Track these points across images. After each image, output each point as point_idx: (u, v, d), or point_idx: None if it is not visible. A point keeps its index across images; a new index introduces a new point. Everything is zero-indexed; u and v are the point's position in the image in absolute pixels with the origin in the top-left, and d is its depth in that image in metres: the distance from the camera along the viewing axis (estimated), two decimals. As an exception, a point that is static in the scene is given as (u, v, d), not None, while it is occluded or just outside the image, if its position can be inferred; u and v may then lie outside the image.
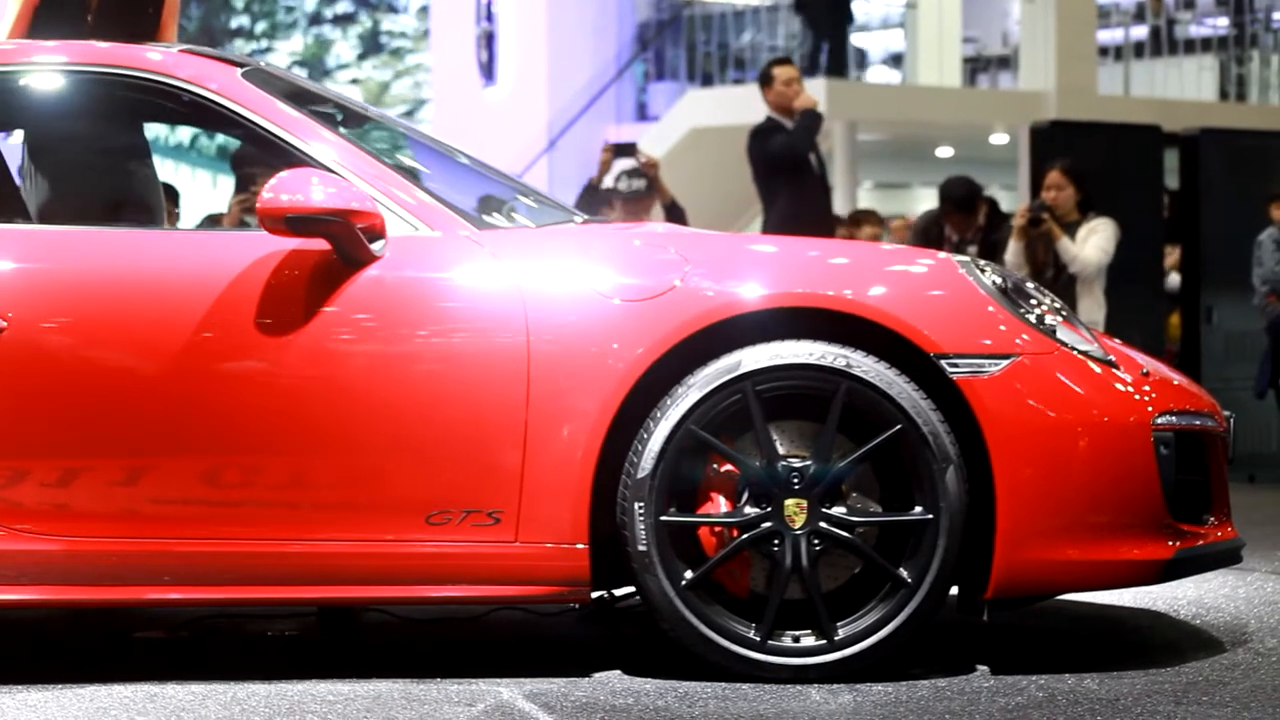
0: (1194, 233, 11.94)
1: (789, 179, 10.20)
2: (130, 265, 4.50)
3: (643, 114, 20.40)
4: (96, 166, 5.52)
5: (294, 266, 4.41)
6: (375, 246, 4.40)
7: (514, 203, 5.38)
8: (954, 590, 4.47)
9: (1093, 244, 9.93)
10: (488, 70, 20.56)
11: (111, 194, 5.54)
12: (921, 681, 4.25)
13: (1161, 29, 20.24)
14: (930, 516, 4.26)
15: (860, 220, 12.91)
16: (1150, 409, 4.36)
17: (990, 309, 4.34)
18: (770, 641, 4.29)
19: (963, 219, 10.82)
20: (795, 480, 4.30)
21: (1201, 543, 4.47)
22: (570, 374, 4.29)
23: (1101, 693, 4.11)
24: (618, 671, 4.44)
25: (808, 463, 4.30)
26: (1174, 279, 12.27)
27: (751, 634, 4.29)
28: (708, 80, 19.78)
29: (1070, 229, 9.98)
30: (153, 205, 5.69)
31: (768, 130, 10.27)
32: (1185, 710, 3.93)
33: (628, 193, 11.15)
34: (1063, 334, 4.40)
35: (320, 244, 4.39)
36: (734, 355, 4.29)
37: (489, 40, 20.51)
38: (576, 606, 4.99)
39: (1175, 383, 4.61)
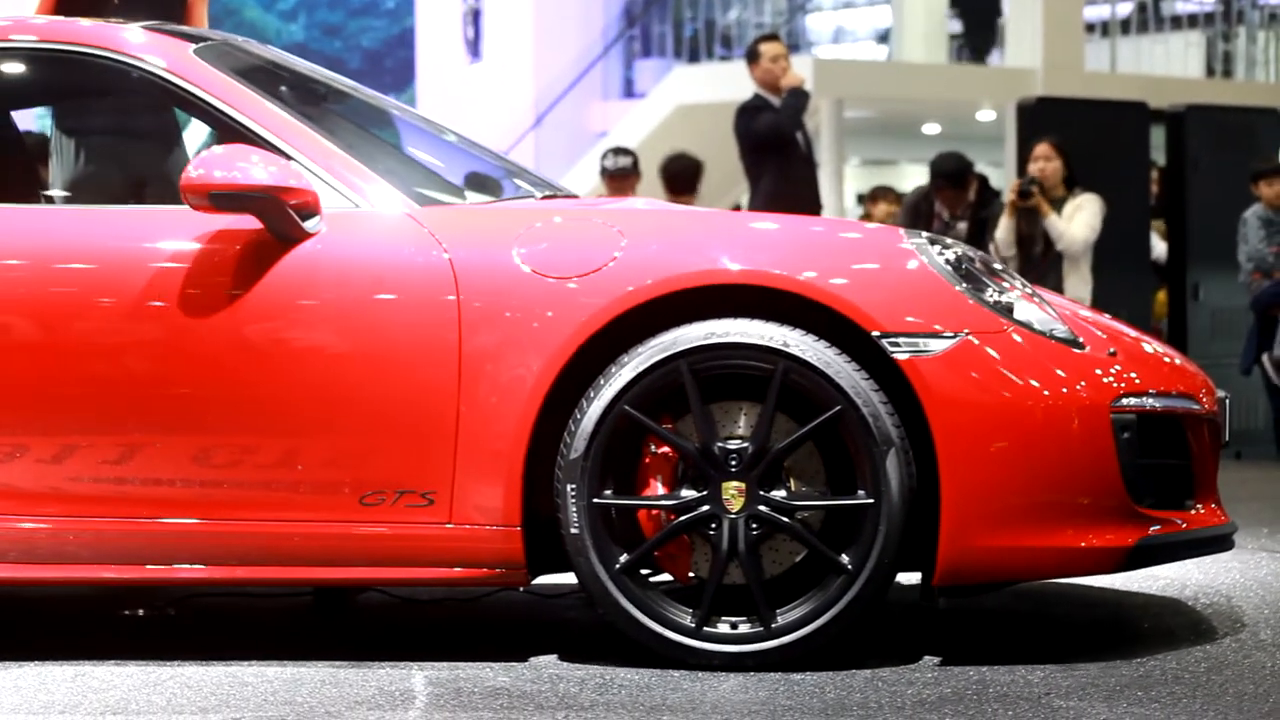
0: (1180, 210, 11.94)
1: (775, 157, 10.19)
2: (57, 242, 4.45)
3: (629, 91, 20.37)
4: (121, 148, 5.47)
5: (228, 243, 4.36)
6: (310, 223, 4.34)
7: (487, 178, 5.34)
8: (918, 577, 4.39)
9: (1080, 221, 9.95)
10: (474, 47, 20.51)
11: (136, 173, 5.50)
12: (860, 671, 4.15)
13: (1148, 5, 20.20)
14: (871, 501, 4.14)
15: (876, 197, 13.00)
16: (1109, 391, 4.21)
17: (937, 286, 4.21)
18: (706, 628, 4.19)
19: (954, 195, 10.81)
20: (733, 462, 4.20)
21: (1174, 529, 4.32)
22: (500, 354, 4.22)
23: (1038, 686, 4.00)
24: (554, 656, 4.38)
25: (747, 444, 4.20)
26: (1160, 249, 12.27)
27: (687, 620, 4.19)
28: (694, 57, 19.74)
29: (1057, 204, 10.00)
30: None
31: (754, 108, 10.26)
32: (1110, 708, 3.80)
33: (613, 170, 11.19)
34: (1021, 313, 4.25)
35: (254, 221, 4.34)
36: (670, 333, 4.19)
37: (475, 17, 20.46)
38: (520, 590, 4.93)
39: (1159, 361, 4.48)
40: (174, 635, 4.91)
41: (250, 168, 4.26)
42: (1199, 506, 4.45)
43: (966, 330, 4.15)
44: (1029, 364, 4.17)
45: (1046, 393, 4.15)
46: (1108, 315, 4.88)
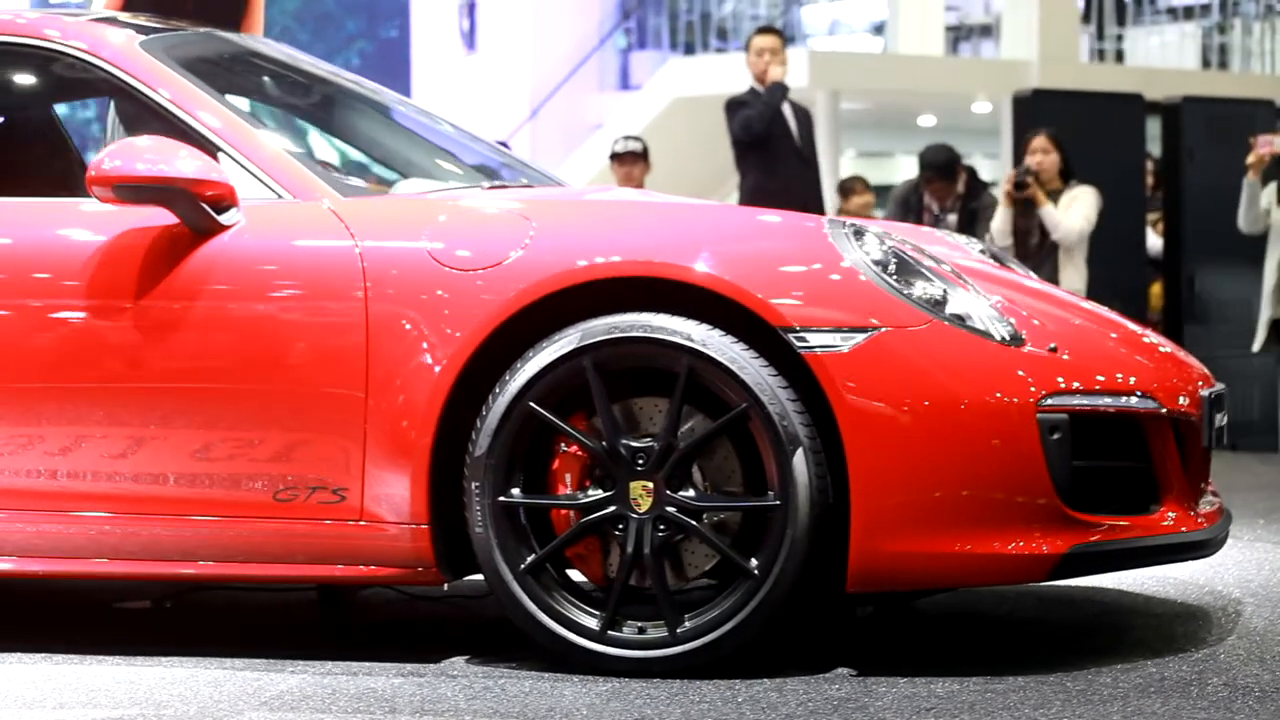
0: (1176, 201, 11.94)
1: (758, 152, 9.97)
2: None
3: (626, 83, 20.38)
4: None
5: (141, 235, 4.34)
6: (227, 215, 4.31)
7: (481, 169, 5.31)
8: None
9: (1076, 212, 9.95)
10: (470, 39, 20.52)
11: None
12: (761, 681, 3.98)
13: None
14: (778, 503, 3.97)
15: (850, 189, 12.92)
16: (1038, 389, 3.99)
17: (854, 280, 4.02)
18: (611, 632, 4.06)
19: (943, 187, 10.81)
20: (640, 461, 4.08)
21: (1121, 535, 4.07)
22: (407, 348, 4.15)
23: (929, 700, 3.79)
24: (465, 658, 4.30)
25: (654, 443, 4.07)
26: (1155, 243, 12.26)
27: (593, 624, 4.07)
28: (690, 49, 19.75)
29: (1053, 196, 9.98)
30: None
31: (739, 102, 10.12)
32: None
33: (621, 151, 11.22)
34: (956, 307, 4.06)
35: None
36: (575, 328, 4.08)
37: (471, 9, 20.47)
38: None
39: (1117, 356, 4.23)
40: (138, 630, 4.86)
41: (147, 158, 4.23)
42: (1170, 512, 4.20)
43: (880, 326, 3.98)
44: (949, 361, 3.98)
45: (963, 392, 3.96)
46: (1105, 307, 4.73)
